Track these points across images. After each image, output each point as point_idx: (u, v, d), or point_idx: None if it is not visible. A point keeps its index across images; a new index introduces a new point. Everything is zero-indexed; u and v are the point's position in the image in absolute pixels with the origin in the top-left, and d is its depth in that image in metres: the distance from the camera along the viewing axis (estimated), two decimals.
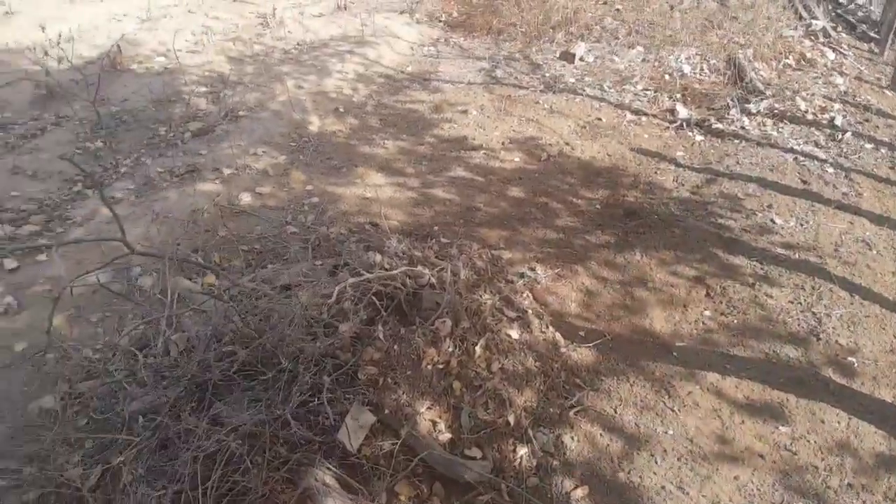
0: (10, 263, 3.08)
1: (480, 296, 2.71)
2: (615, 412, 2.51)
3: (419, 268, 2.75)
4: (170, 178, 3.93)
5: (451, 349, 2.36)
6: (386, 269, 2.69)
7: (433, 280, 2.65)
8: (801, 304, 3.08)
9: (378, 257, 2.79)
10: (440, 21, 7.23)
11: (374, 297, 2.51)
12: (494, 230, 3.60)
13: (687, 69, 5.68)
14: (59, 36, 5.56)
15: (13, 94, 4.90)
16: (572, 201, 3.92)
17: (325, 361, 2.08)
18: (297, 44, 6.26)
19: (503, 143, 4.59)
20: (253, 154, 4.24)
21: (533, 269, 3.26)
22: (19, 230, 3.40)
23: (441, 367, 2.29)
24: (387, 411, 2.11)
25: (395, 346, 2.25)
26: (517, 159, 4.40)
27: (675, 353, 2.84)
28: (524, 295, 3.00)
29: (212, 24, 6.60)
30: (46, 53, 5.10)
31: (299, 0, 7.51)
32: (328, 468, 1.87)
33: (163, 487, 1.79)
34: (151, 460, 1.92)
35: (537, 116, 4.97)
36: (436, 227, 3.57)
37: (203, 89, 5.20)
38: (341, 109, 5.07)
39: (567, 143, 4.59)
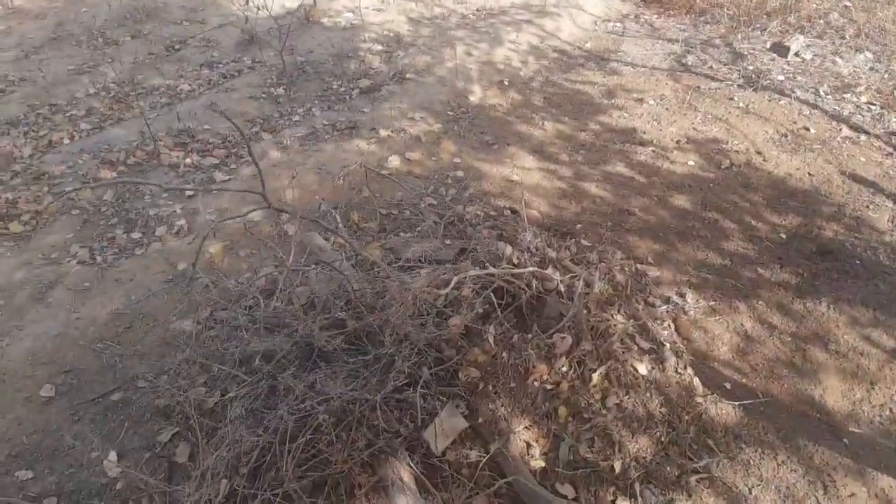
0: (189, 191, 3.48)
1: (612, 315, 2.40)
2: (749, 492, 2.07)
3: (549, 270, 2.51)
4: (331, 132, 4.10)
5: (565, 369, 2.12)
6: (514, 265, 2.50)
7: (562, 287, 2.39)
8: None
9: (508, 250, 2.60)
10: None
11: (493, 294, 2.35)
12: (646, 241, 3.18)
13: None
14: None
15: (223, 35, 5.51)
16: (751, 223, 3.31)
17: (427, 352, 1.98)
18: (477, 9, 6.12)
19: (678, 142, 4.03)
20: (410, 118, 4.26)
21: (683, 296, 2.82)
22: (203, 160, 3.82)
23: (550, 387, 2.06)
24: (480, 420, 1.96)
25: (504, 353, 2.07)
26: (691, 163, 3.83)
27: (845, 440, 2.26)
28: (665, 324, 2.60)
29: None
30: (247, 2, 5.61)
31: None
32: (409, 464, 1.79)
33: (257, 434, 1.86)
34: (255, 403, 2.01)
35: (728, 115, 4.27)
36: (579, 226, 3.26)
37: (379, 48, 5.34)
38: (506, 82, 4.85)
39: (759, 153, 3.87)
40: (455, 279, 2.03)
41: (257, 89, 4.66)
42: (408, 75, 4.85)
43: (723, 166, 3.76)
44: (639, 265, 2.96)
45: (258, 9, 5.31)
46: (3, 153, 3.74)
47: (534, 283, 2.41)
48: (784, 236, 3.19)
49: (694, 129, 4.17)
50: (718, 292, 2.86)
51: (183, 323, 2.45)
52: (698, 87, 4.64)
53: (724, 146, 3.94)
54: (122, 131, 4.07)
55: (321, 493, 1.76)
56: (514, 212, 3.32)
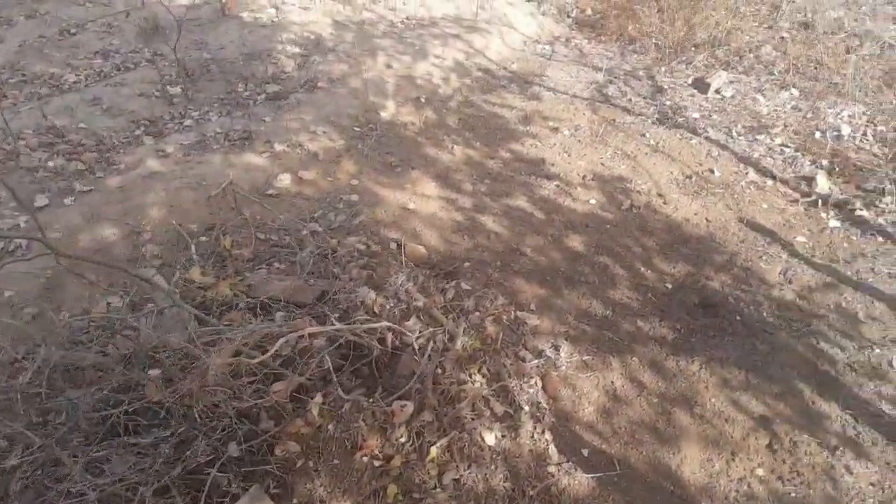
0: (41, 200, 3.11)
1: (470, 375, 2.26)
2: None
3: (412, 321, 2.35)
4: (223, 142, 3.81)
5: (402, 440, 1.95)
6: (373, 314, 2.32)
7: (419, 342, 2.23)
8: (884, 492, 2.28)
9: (371, 296, 2.42)
10: (569, 17, 6.52)
11: (344, 347, 2.17)
12: (532, 284, 3.07)
13: (846, 130, 4.57)
14: None
15: (127, 23, 5.07)
16: (640, 270, 3.26)
17: (240, 425, 1.77)
18: (407, 18, 5.92)
19: (584, 178, 3.96)
20: (312, 132, 4.01)
21: (557, 349, 2.71)
22: (69, 164, 3.45)
23: (380, 463, 1.89)
24: (295, 502, 1.77)
25: (330, 425, 1.88)
26: (593, 201, 3.76)
27: None
28: (532, 381, 2.48)
29: None
30: None
31: None
32: None
33: None
34: (37, 476, 1.74)
35: (636, 153, 4.24)
36: (467, 264, 3.12)
37: (296, 50, 5.05)
38: (423, 99, 4.68)
39: (660, 195, 3.85)
40: (281, 341, 1.82)
41: (151, 86, 4.30)
42: (320, 83, 4.59)
43: (623, 207, 3.72)
44: (519, 312, 2.84)
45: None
46: None
47: (389, 337, 2.24)
48: (670, 286, 3.16)
49: (602, 164, 4.11)
50: (594, 346, 2.78)
51: None
52: (614, 121, 4.60)
53: (628, 185, 3.90)
54: None
55: None
56: (399, 245, 3.14)
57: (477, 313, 2.64)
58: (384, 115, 4.42)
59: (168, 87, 4.31)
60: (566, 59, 5.62)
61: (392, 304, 2.44)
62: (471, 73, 5.22)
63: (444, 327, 2.38)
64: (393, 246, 3.11)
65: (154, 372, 1.84)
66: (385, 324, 2.20)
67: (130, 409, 1.73)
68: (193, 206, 3.21)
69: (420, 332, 2.29)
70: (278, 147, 3.79)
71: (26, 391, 1.89)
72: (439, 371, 2.19)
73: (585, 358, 2.71)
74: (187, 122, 4.01)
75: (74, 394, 1.87)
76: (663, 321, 2.95)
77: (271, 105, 4.31)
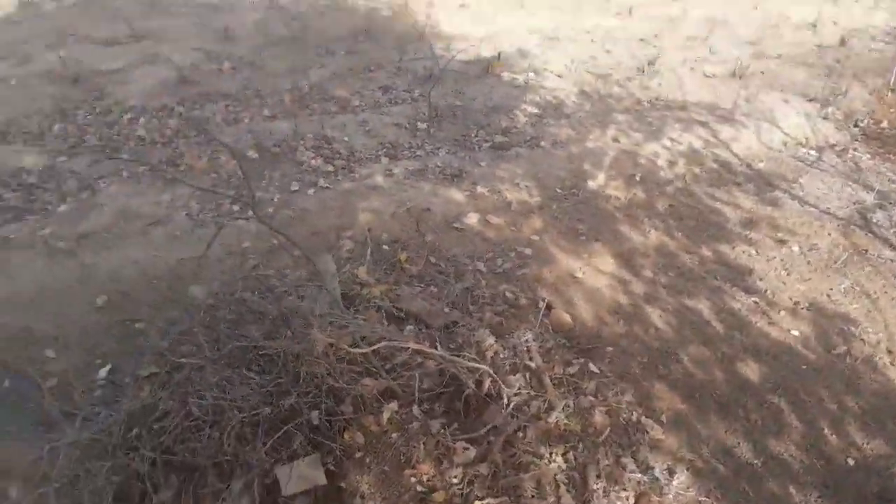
0: (294, 186, 4.02)
1: (551, 454, 2.14)
2: None
3: (515, 377, 2.36)
4: (437, 174, 4.34)
5: (453, 481, 1.97)
6: (477, 357, 2.40)
7: (513, 400, 2.22)
8: None
9: (489, 341, 2.50)
10: (856, 126, 5.57)
11: (439, 375, 2.30)
12: (674, 395, 2.73)
13: None
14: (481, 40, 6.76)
15: (417, 67, 6.15)
16: (821, 430, 2.60)
17: (326, 399, 2.04)
18: (657, 98, 5.85)
19: (796, 305, 3.34)
20: (515, 184, 4.28)
21: (671, 473, 2.35)
22: (324, 165, 4.37)
23: (423, 489, 1.94)
24: (342, 484, 1.95)
25: (395, 434, 2.01)
26: (796, 333, 3.14)
27: None
28: (623, 494, 2.21)
29: (599, 56, 6.77)
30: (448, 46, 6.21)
31: (704, 54, 6.94)
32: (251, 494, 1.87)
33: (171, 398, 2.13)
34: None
35: (880, 295, 3.40)
36: (609, 349, 2.94)
37: (534, 110, 5.46)
38: (637, 178, 4.56)
39: (890, 352, 3.01)
40: (383, 343, 2.05)
41: (406, 119, 5.15)
42: (542, 143, 4.88)
43: (834, 351, 3.02)
44: (644, 418, 2.56)
45: (455, 53, 5.86)
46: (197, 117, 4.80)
47: (487, 382, 2.28)
48: (852, 462, 2.44)
49: (828, 296, 3.41)
50: (720, 490, 2.32)
51: (196, 289, 2.88)
52: (865, 251, 3.77)
53: (852, 329, 3.15)
54: (285, 125, 4.86)
55: (180, 475, 1.95)
56: (548, 307, 3.13)
57: (591, 398, 2.48)
58: (591, 183, 4.45)
59: (417, 122, 5.11)
60: (832, 171, 4.82)
61: (506, 355, 2.48)
62: (704, 162, 4.88)
63: (547, 396, 2.31)
64: (540, 305, 3.12)
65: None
66: (486, 368, 2.25)
67: (261, 352, 2.16)
68: (390, 220, 3.75)
69: (519, 389, 2.28)
70: (480, 189, 4.16)
71: (215, 316, 2.50)
72: (520, 434, 2.14)
73: (702, 499, 2.29)
74: (419, 152, 4.69)
75: (238, 330, 2.41)
76: (823, 498, 2.30)
77: (493, 153, 4.74)
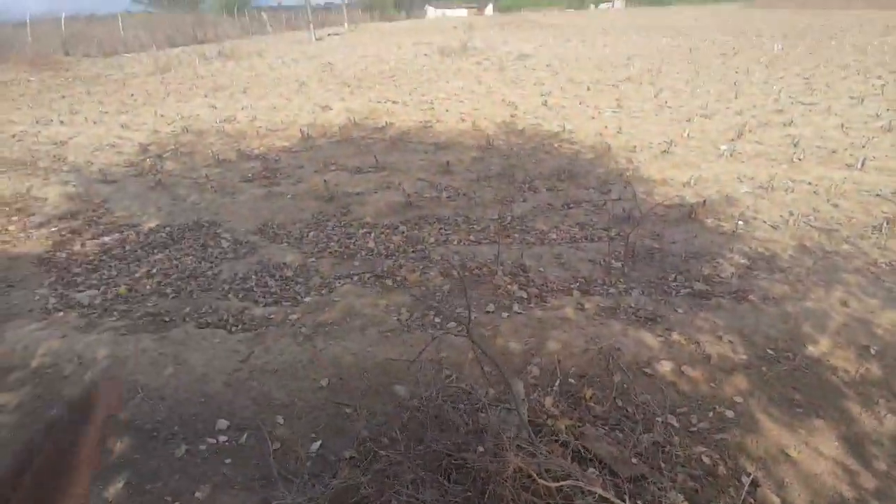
0: (489, 308, 4.36)
1: None
2: None
3: None
4: (629, 315, 4.31)
5: None
6: None
7: None
8: None
9: None
10: None
11: None
12: None
13: None
14: (684, 184, 6.82)
15: (615, 208, 6.43)
16: None
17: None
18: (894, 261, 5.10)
19: None
20: (717, 336, 4.02)
21: None
22: (518, 291, 4.67)
23: None
24: None
25: None
26: None
27: None
28: None
29: (823, 209, 6.28)
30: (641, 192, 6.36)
31: None
32: None
33: None
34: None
35: None
36: None
37: (742, 261, 5.18)
38: (872, 350, 3.91)
39: None
40: (568, 483, 2.05)
41: (601, 256, 5.31)
42: (750, 296, 4.56)
43: None
44: None
45: (657, 197, 6.03)
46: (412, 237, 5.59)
47: None
48: None
49: None
50: None
51: (399, 388, 3.21)
52: None
53: None
54: (487, 250, 5.39)
55: None
56: (754, 483, 2.76)
57: None
58: (811, 349, 3.95)
59: (612, 260, 5.22)
60: None
61: None
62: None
63: None
64: (744, 479, 2.77)
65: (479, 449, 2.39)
66: None
67: (454, 461, 2.31)
68: (578, 354, 3.79)
69: None
70: (675, 336, 4.00)
71: (415, 416, 2.78)
72: None
73: None
74: (612, 290, 4.74)
75: (434, 435, 2.63)
76: None
77: (691, 300, 4.57)
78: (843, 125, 9.81)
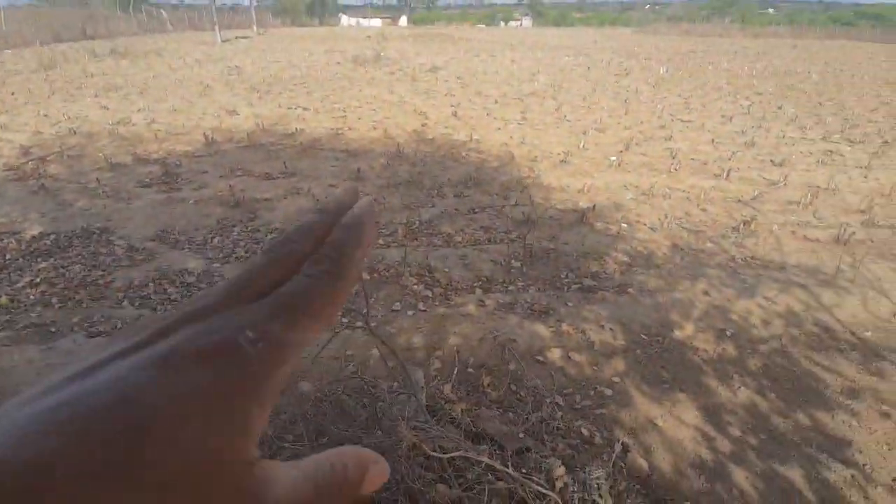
0: (396, 307, 4.53)
1: None
2: None
3: None
4: (526, 310, 4.67)
5: None
6: (546, 486, 2.50)
7: None
8: None
9: (560, 471, 2.61)
10: None
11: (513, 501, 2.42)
12: None
13: None
14: (579, 191, 7.38)
15: (516, 212, 6.86)
16: None
17: (410, 495, 2.24)
18: (752, 257, 5.93)
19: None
20: (600, 325, 4.47)
21: None
22: (424, 290, 4.89)
23: None
24: None
25: None
26: None
27: None
28: None
29: (693, 213, 7.09)
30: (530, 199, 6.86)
31: (805, 219, 6.99)
32: None
33: None
34: None
35: None
36: (686, 503, 2.86)
37: (624, 259, 5.76)
38: (728, 333, 4.55)
39: None
40: (459, 452, 2.27)
41: (501, 257, 5.67)
42: (630, 290, 5.09)
43: None
44: None
45: (553, 202, 6.51)
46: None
47: None
48: None
49: None
50: None
51: (304, 384, 3.30)
52: None
53: None
54: (396, 253, 5.57)
55: None
56: (624, 449, 3.15)
57: None
58: (677, 333, 4.51)
59: (512, 261, 5.59)
60: None
61: (575, 489, 2.55)
62: (803, 325, 4.76)
63: None
64: (616, 446, 3.15)
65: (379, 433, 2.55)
66: (555, 496, 2.35)
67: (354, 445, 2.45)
68: (477, 346, 4.06)
69: None
70: (565, 327, 4.40)
71: (318, 410, 2.88)
72: None
73: None
74: (511, 287, 5.10)
75: (336, 425, 2.75)
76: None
77: (581, 295, 5.02)
78: (713, 140, 11.08)
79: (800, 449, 3.33)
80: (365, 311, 2.71)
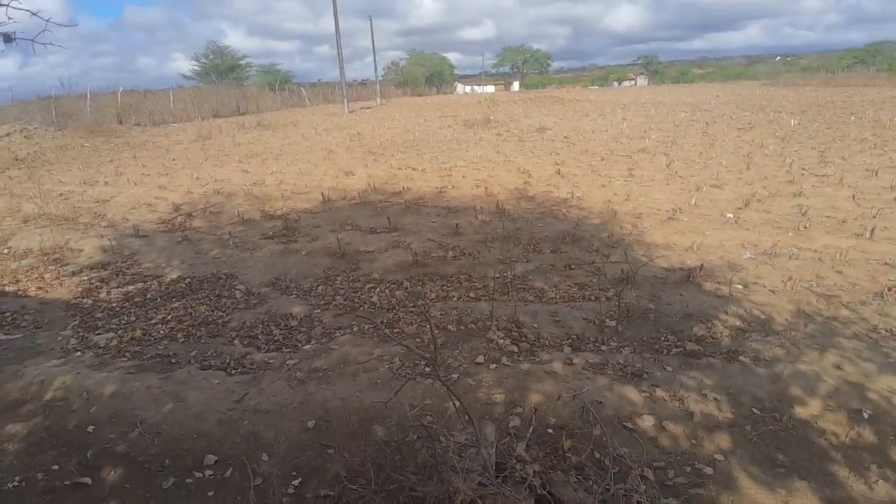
0: (480, 359, 4.48)
1: None
2: None
3: None
4: (617, 371, 4.36)
5: None
6: None
7: None
8: None
9: None
10: None
11: None
12: None
13: None
14: (687, 249, 6.98)
15: (615, 270, 6.58)
16: None
17: None
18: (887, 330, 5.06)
19: None
20: (703, 395, 4.03)
21: None
22: (511, 346, 4.79)
23: None
24: None
25: None
26: None
27: None
28: None
29: (827, 276, 6.30)
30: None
31: None
32: None
33: None
34: None
35: None
36: None
37: (737, 323, 5.21)
38: (865, 415, 3.86)
39: None
40: None
41: (596, 315, 5.41)
42: (741, 357, 4.57)
43: None
44: None
45: (654, 257, 6.20)
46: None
47: None
48: None
49: None
50: None
51: (378, 428, 3.33)
52: None
53: None
54: (485, 306, 5.56)
55: None
56: None
57: None
58: (800, 411, 3.92)
59: (606, 319, 5.31)
60: None
61: None
62: None
63: None
64: None
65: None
66: None
67: (413, 492, 2.41)
68: (560, 406, 3.85)
69: None
70: (660, 393, 4.03)
71: (385, 454, 2.89)
72: None
73: None
74: (603, 347, 4.82)
75: (403, 469, 2.73)
76: None
77: (681, 359, 4.60)
78: (854, 196, 9.88)
79: None
80: (432, 352, 2.73)
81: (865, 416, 3.88)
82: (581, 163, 13.99)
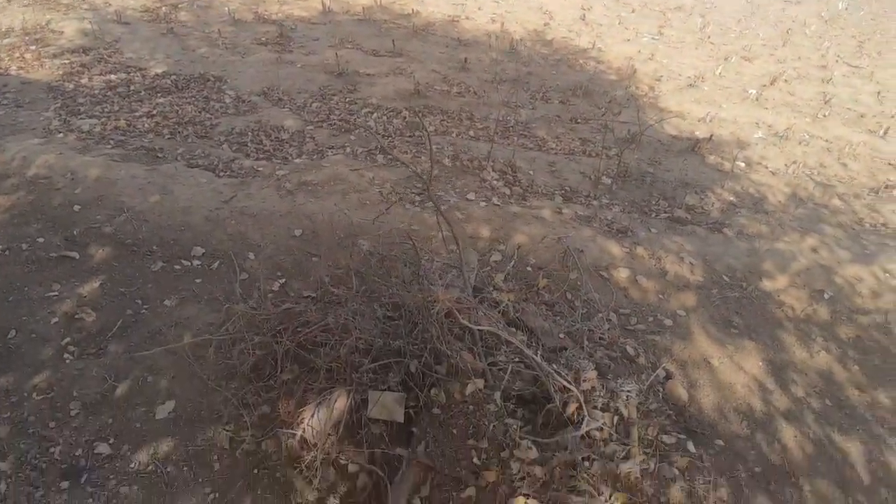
0: (470, 196, 4.47)
1: (610, 495, 2.12)
2: None
3: (601, 413, 2.38)
4: (603, 226, 4.42)
5: (511, 471, 2.08)
6: (573, 383, 2.46)
7: (587, 427, 2.25)
8: None
9: (591, 373, 2.55)
10: None
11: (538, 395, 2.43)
12: None
13: None
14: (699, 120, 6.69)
15: (622, 128, 6.34)
16: None
17: (428, 356, 2.31)
18: (883, 224, 5.13)
19: None
20: (680, 258, 4.15)
21: None
22: (503, 189, 4.76)
23: (478, 463, 2.07)
24: (413, 429, 2.18)
25: (473, 407, 2.19)
26: None
27: None
28: None
29: (830, 166, 6.20)
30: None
31: None
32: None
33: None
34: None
35: None
36: (719, 442, 2.72)
37: (730, 198, 5.21)
38: (826, 295, 4.07)
39: None
40: (488, 327, 2.26)
41: (593, 171, 5.32)
42: (725, 229, 4.65)
43: None
44: None
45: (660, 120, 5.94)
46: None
47: (573, 407, 2.34)
48: None
49: None
50: None
51: (363, 242, 3.41)
52: None
53: None
54: (483, 146, 5.40)
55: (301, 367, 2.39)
56: (667, 375, 3.01)
57: (676, 471, 2.36)
58: (766, 284, 4.10)
59: (603, 176, 5.25)
60: None
61: (601, 393, 2.50)
62: None
63: (629, 446, 2.28)
64: (660, 371, 3.02)
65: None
66: (577, 392, 2.32)
67: (392, 299, 2.54)
68: (542, 248, 3.95)
69: (602, 426, 2.29)
70: (639, 251, 4.13)
71: (368, 264, 2.98)
72: (586, 464, 2.16)
73: None
74: (594, 202, 4.83)
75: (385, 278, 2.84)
76: None
77: (668, 224, 4.66)
78: (879, 93, 9.35)
79: (868, 426, 3.02)
80: (429, 177, 2.67)
81: (826, 296, 4.09)
82: (609, 11, 12.74)
